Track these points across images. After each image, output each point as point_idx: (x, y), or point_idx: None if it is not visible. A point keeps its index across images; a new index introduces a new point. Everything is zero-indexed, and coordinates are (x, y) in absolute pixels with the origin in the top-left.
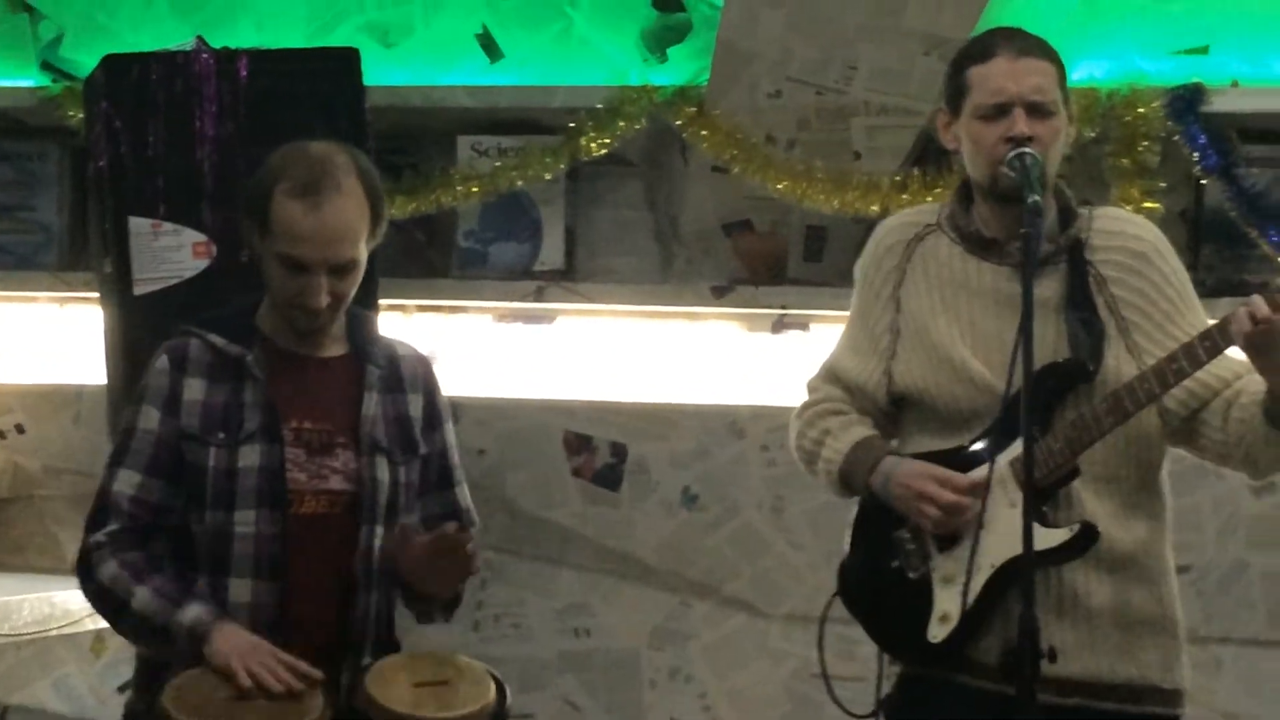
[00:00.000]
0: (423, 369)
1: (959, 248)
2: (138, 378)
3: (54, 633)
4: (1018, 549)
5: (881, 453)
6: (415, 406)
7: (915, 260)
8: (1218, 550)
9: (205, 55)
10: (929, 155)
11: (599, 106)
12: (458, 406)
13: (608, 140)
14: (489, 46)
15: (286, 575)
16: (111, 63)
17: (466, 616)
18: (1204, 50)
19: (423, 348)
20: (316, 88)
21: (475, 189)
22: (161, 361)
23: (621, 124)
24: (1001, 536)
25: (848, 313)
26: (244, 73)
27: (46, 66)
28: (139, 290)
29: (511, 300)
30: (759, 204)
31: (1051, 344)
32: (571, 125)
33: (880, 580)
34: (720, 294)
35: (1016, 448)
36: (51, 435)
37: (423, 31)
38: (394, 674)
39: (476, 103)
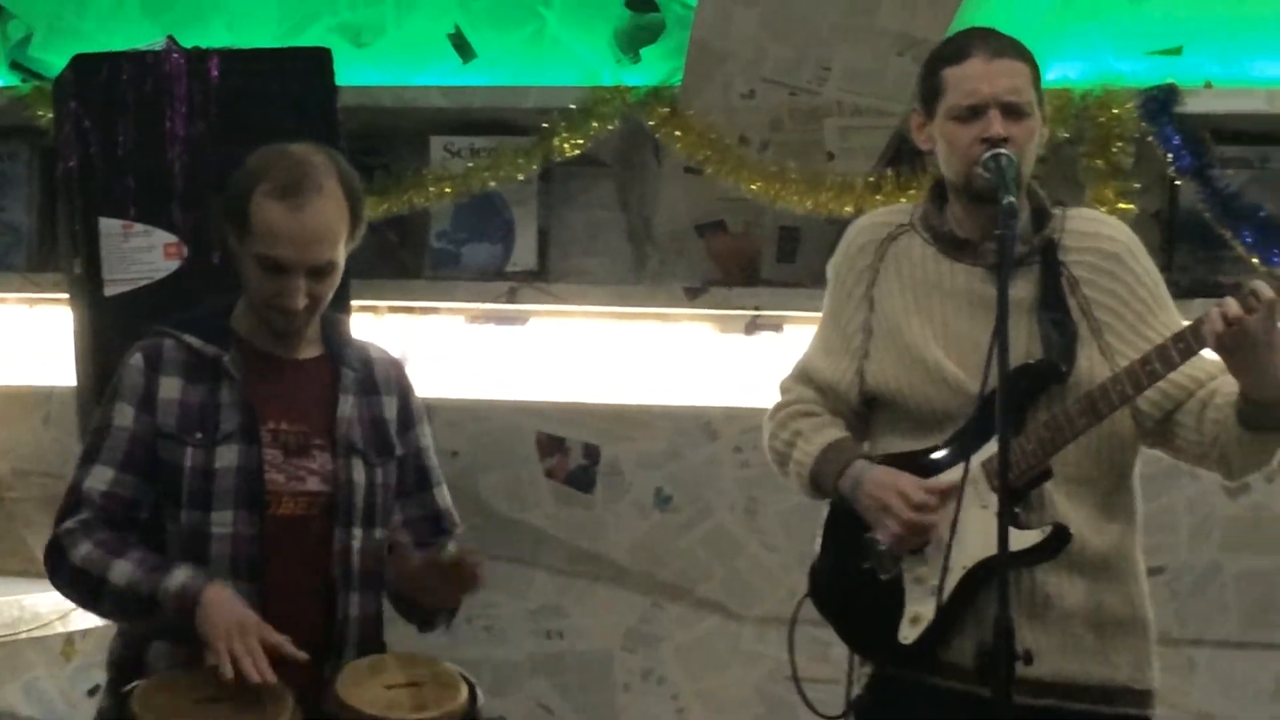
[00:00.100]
0: (395, 371)
1: (932, 248)
2: (108, 379)
3: (23, 636)
4: (989, 550)
5: (852, 456)
6: (390, 408)
7: (888, 260)
8: (1191, 552)
9: (176, 55)
10: (903, 156)
11: (572, 107)
12: (430, 408)
13: (580, 141)
14: (461, 46)
15: (264, 576)
16: (81, 62)
17: None
18: (1178, 51)
19: (395, 349)
20: (288, 88)
21: (448, 189)
22: (136, 359)
23: (594, 124)
24: (973, 538)
25: (821, 314)
26: (215, 73)
27: (15, 66)
28: (109, 291)
29: (484, 301)
30: (732, 205)
31: (1024, 345)
32: (544, 126)
33: (851, 581)
34: (693, 295)
35: (989, 449)
36: (21, 437)
37: (395, 31)
38: (365, 676)
39: (449, 103)
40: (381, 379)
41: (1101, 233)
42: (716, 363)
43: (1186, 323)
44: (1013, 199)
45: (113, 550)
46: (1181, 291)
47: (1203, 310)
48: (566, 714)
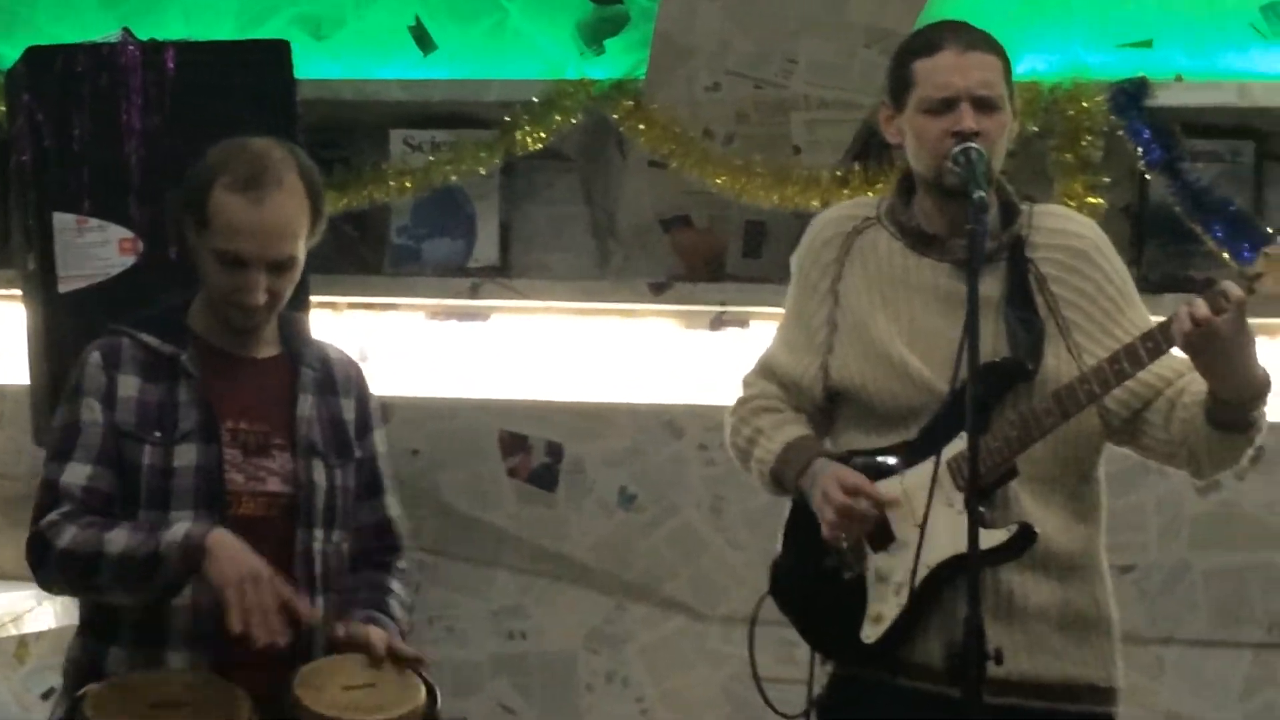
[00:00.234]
0: (354, 372)
1: (899, 242)
2: (62, 377)
3: None
4: (954, 549)
5: (813, 454)
6: (348, 410)
7: (854, 254)
8: (1160, 550)
9: (131, 47)
10: (870, 149)
11: (534, 100)
12: (390, 406)
13: (543, 134)
14: (422, 39)
15: None
16: (34, 55)
17: None
18: (1148, 44)
19: (354, 346)
20: (246, 80)
21: (408, 184)
22: (94, 358)
23: (557, 118)
24: (938, 536)
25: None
26: (171, 65)
27: None
28: (64, 288)
29: (445, 297)
30: (697, 199)
31: (991, 343)
32: (506, 119)
33: (813, 579)
34: (658, 291)
35: (954, 447)
36: None
37: (354, 23)
38: (322, 677)
39: (409, 96)
40: (340, 380)
41: (1069, 229)
42: (681, 359)
43: (1155, 320)
44: (983, 193)
45: (102, 527)
46: (1151, 287)
47: (1173, 306)
48: (529, 716)
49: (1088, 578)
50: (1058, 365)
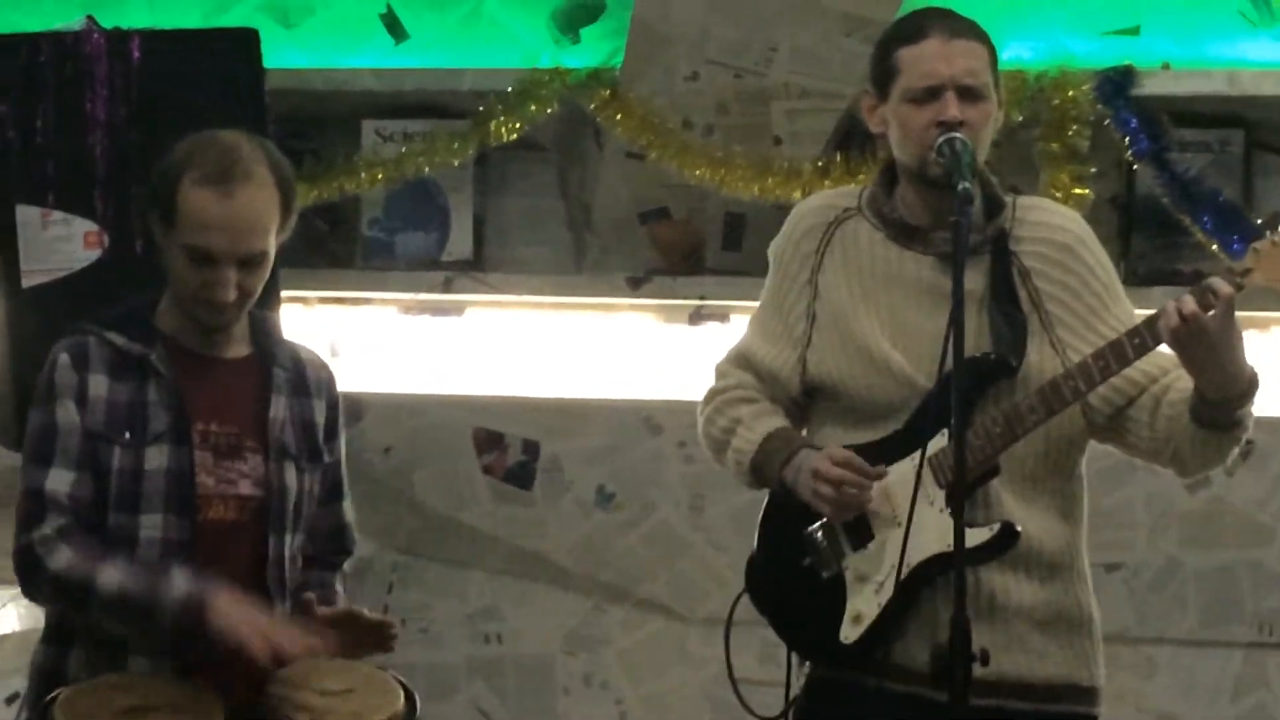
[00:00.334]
0: (325, 375)
1: (880, 233)
2: (25, 374)
3: None
4: (935, 548)
5: (798, 445)
6: (319, 413)
7: (834, 244)
8: (1150, 548)
9: (96, 35)
10: (852, 140)
11: (509, 89)
12: (362, 403)
13: (518, 125)
14: (394, 27)
15: None
16: None
17: None
18: (1134, 31)
19: (325, 342)
20: (213, 70)
21: (380, 175)
22: (64, 359)
23: (532, 108)
24: (918, 535)
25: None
26: (137, 54)
27: None
28: (27, 282)
29: (418, 291)
30: (676, 191)
31: (973, 338)
32: (480, 109)
33: (790, 578)
34: (636, 285)
35: (935, 444)
36: None
37: (324, 11)
38: (298, 683)
39: (381, 85)
40: (312, 382)
41: (1054, 223)
42: (660, 355)
43: (1140, 314)
44: (968, 185)
45: (96, 555)
46: (1139, 279)
47: (1161, 299)
48: None
49: (1070, 577)
50: (1041, 361)
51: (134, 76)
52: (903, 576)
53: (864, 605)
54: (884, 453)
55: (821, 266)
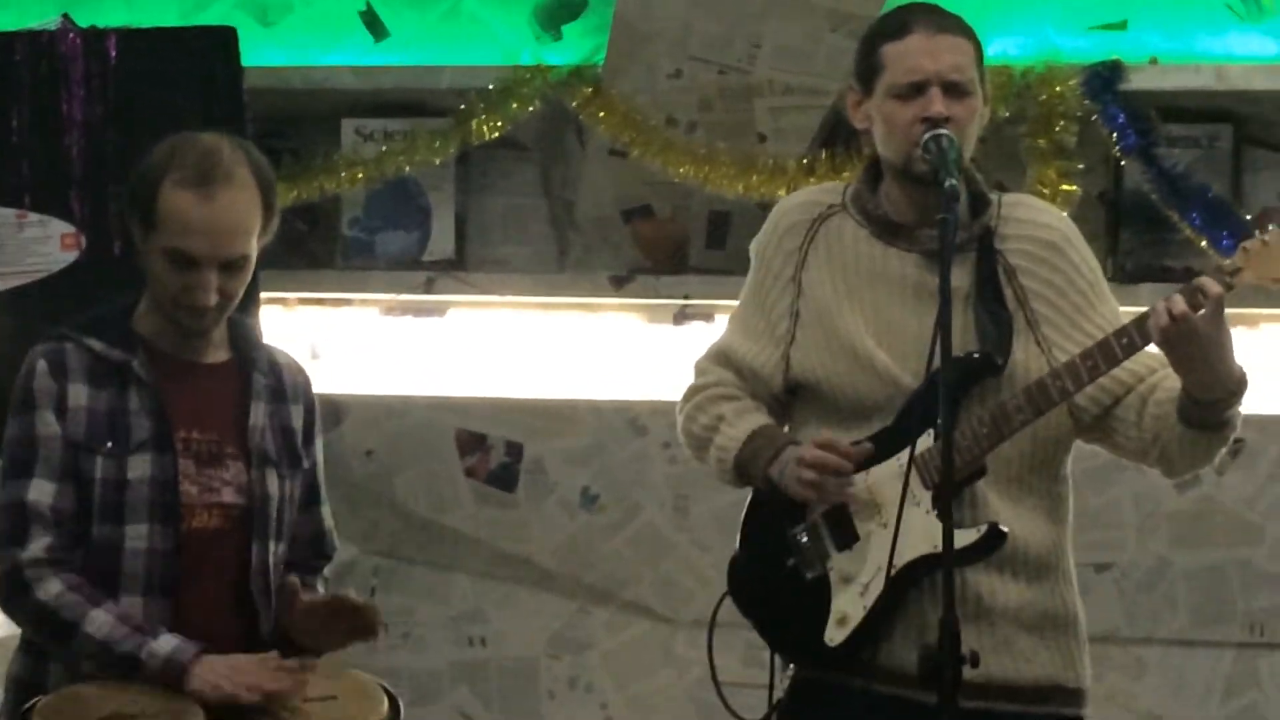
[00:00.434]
0: (302, 379)
1: (865, 230)
2: (1, 378)
3: None
4: (921, 549)
5: (783, 442)
6: (297, 418)
7: (818, 242)
8: (1139, 548)
9: (72, 34)
10: (837, 136)
11: (490, 87)
12: (343, 405)
13: (499, 123)
14: (373, 24)
15: (178, 592)
16: None
17: None
18: (1122, 25)
19: (306, 344)
20: (191, 69)
21: (360, 175)
22: (41, 366)
23: (514, 105)
24: (903, 536)
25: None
26: (114, 53)
27: None
28: (3, 285)
29: (399, 292)
30: (659, 189)
31: (959, 336)
32: (461, 107)
33: (773, 579)
34: (619, 284)
35: (920, 444)
36: None
37: (303, 8)
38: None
39: (361, 84)
40: (290, 387)
41: (1039, 220)
42: (644, 355)
43: (1125, 312)
44: (954, 181)
45: (89, 598)
46: (1127, 276)
47: (1149, 296)
48: None
49: (1056, 578)
50: (1026, 360)
51: (110, 76)
52: (882, 579)
53: (849, 607)
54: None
55: (805, 264)
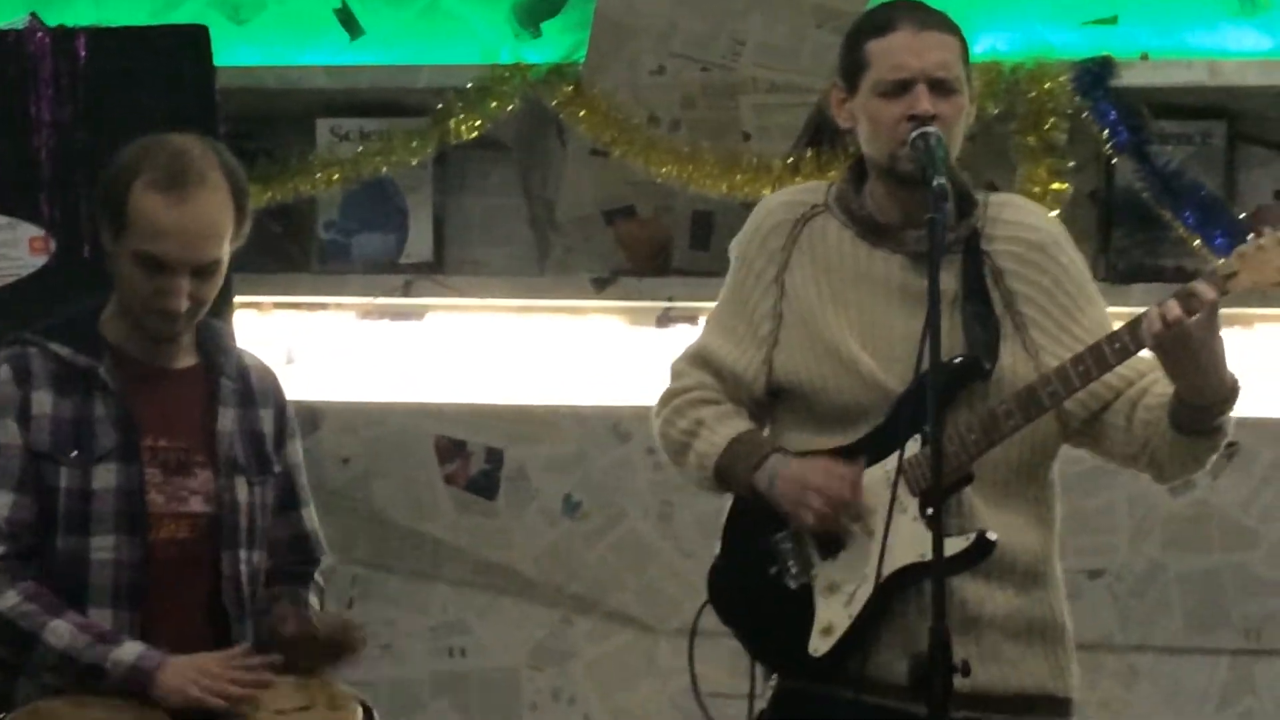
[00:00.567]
0: (271, 381)
1: (849, 231)
2: None
3: None
4: (909, 557)
5: (767, 449)
6: (267, 422)
7: (802, 242)
8: (1132, 552)
9: (40, 34)
10: (823, 135)
11: (468, 86)
12: (319, 411)
13: (478, 122)
14: (348, 22)
15: (147, 604)
16: None
17: None
18: (1112, 20)
19: (281, 349)
20: (162, 68)
21: (336, 176)
22: (4, 372)
23: (493, 104)
24: (890, 544)
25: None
26: (83, 52)
27: None
28: None
29: (376, 295)
30: (642, 189)
31: (946, 340)
32: (439, 106)
33: (756, 587)
34: (601, 286)
35: (909, 449)
36: None
37: (276, 6)
38: (255, 701)
39: (336, 83)
40: (259, 390)
41: (1027, 221)
42: (627, 358)
43: (1118, 313)
44: (943, 180)
45: (47, 607)
46: (1119, 275)
47: (1142, 296)
48: None
49: (1043, 585)
50: (1014, 364)
51: (80, 76)
52: (868, 588)
53: (834, 616)
54: (853, 459)
55: (789, 265)
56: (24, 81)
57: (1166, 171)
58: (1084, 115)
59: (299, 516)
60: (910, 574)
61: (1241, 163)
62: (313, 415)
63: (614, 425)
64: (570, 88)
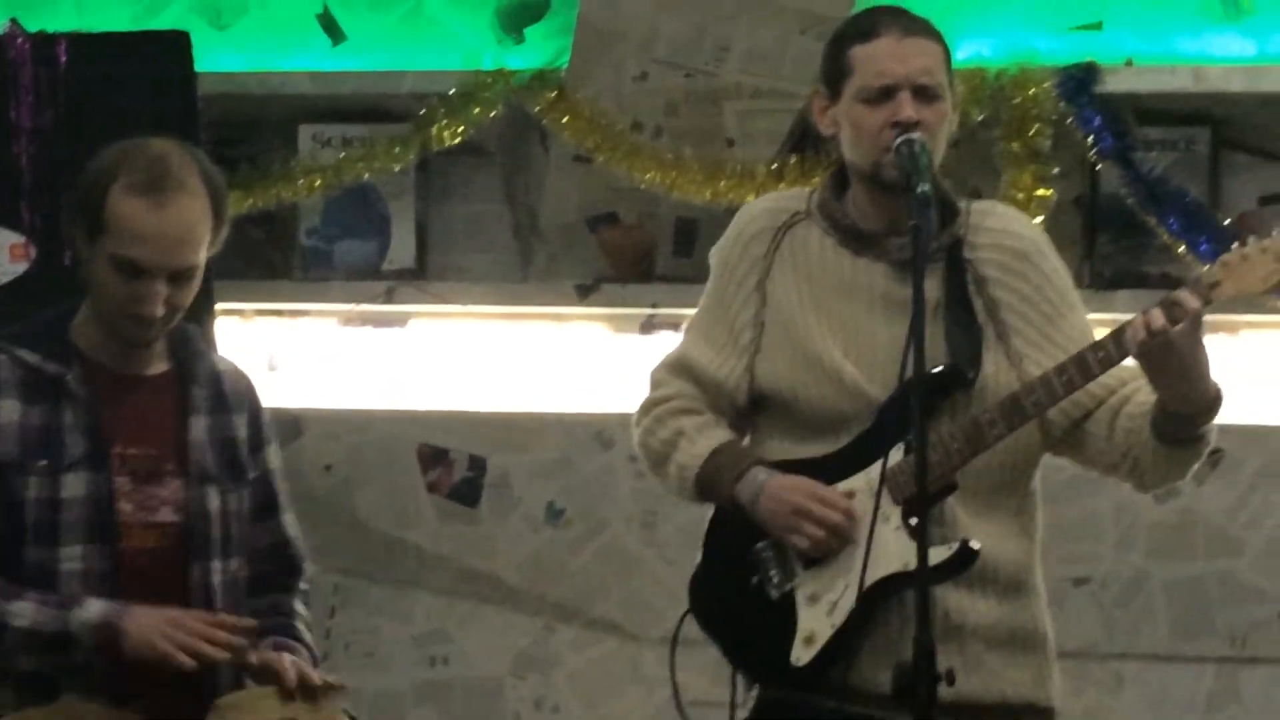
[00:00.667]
0: (245, 386)
1: (831, 239)
2: None
3: None
4: (891, 567)
5: (749, 460)
6: (240, 427)
7: (783, 249)
8: (1117, 560)
9: (20, 39)
10: (807, 141)
11: (451, 92)
12: (302, 419)
13: (461, 128)
14: (331, 27)
15: None
16: None
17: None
18: (1097, 26)
19: (263, 356)
20: (143, 74)
21: (318, 182)
22: None
23: (476, 110)
24: (873, 553)
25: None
26: (64, 58)
27: None
28: None
29: (359, 302)
30: (625, 195)
31: (929, 348)
32: (422, 112)
33: (737, 597)
34: (585, 293)
35: (891, 458)
36: None
37: (258, 11)
38: (236, 713)
39: (318, 89)
40: (232, 395)
41: (1009, 229)
42: (610, 366)
43: (1104, 319)
44: (927, 187)
45: (5, 594)
46: (1104, 283)
47: (1126, 303)
48: None
49: (1025, 594)
50: (997, 372)
51: (61, 81)
52: (850, 597)
53: (817, 625)
54: (835, 467)
55: (770, 272)
56: (4, 87)
57: (1151, 178)
58: (1068, 121)
59: (278, 523)
60: (893, 584)
61: (1226, 169)
62: (294, 423)
63: (597, 433)
64: (553, 94)
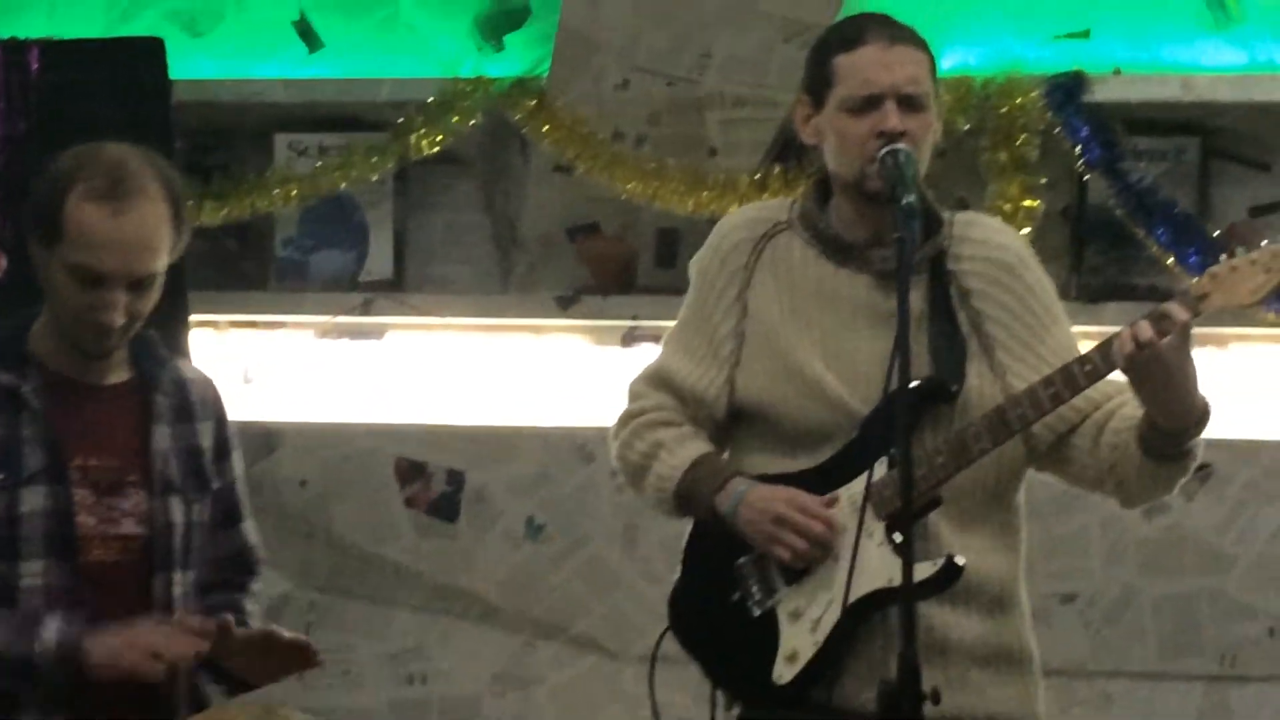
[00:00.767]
0: (210, 393)
1: (813, 250)
2: None
3: None
4: (875, 583)
5: (729, 472)
6: (205, 436)
7: (765, 261)
8: (1105, 577)
9: None
10: (790, 151)
11: (429, 100)
12: (277, 432)
13: (439, 137)
14: (307, 35)
15: None
16: None
17: None
18: (1085, 35)
19: (238, 368)
20: (116, 81)
21: (294, 192)
22: None
23: (454, 119)
24: (857, 569)
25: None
26: (35, 65)
27: None
28: None
29: (335, 314)
30: (606, 205)
31: (913, 361)
32: (399, 121)
33: (717, 613)
34: (565, 304)
35: (875, 472)
36: None
37: (234, 18)
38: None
39: (294, 97)
40: (197, 403)
41: (994, 240)
42: (591, 378)
43: (1084, 333)
44: (913, 199)
45: None
46: (1092, 293)
47: (1114, 315)
48: None
49: (1010, 611)
50: (981, 385)
51: (32, 89)
52: (834, 613)
53: (799, 642)
54: (817, 482)
55: (751, 283)
56: None
57: (1139, 188)
58: (1056, 131)
59: (239, 532)
60: (877, 600)
61: (1215, 179)
62: (270, 436)
63: (578, 446)
64: (533, 102)
